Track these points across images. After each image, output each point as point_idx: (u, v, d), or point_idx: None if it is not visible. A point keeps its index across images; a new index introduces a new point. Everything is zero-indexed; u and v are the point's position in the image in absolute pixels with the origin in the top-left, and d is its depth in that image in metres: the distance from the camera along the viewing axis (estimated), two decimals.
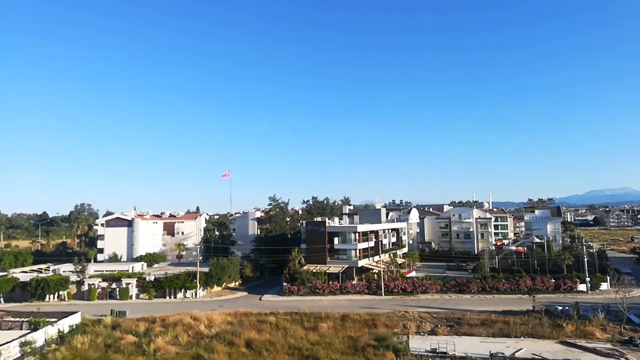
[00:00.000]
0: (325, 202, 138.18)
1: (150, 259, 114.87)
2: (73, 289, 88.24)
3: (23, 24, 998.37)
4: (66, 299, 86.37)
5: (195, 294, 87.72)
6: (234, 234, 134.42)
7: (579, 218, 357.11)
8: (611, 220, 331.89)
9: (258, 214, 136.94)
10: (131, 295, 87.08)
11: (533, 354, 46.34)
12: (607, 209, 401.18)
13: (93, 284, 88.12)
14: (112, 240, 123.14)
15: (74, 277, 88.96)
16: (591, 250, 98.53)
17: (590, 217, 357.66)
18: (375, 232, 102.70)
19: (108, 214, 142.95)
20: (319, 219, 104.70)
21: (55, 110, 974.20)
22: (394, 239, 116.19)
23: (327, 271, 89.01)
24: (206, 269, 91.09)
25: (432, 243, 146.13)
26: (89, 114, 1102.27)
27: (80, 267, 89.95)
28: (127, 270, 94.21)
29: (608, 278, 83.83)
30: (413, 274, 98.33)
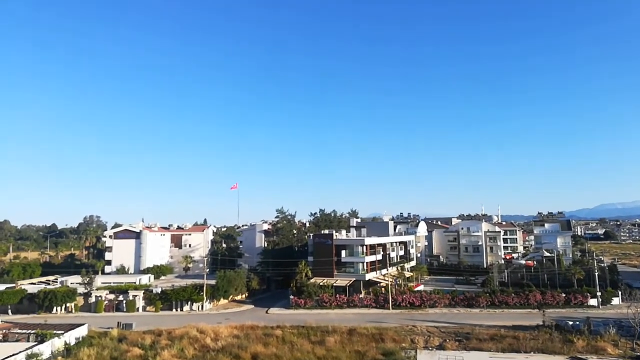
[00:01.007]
0: (332, 214, 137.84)
1: (158, 271, 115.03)
2: (80, 301, 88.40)
3: (25, 33, 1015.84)
4: (73, 311, 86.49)
5: (202, 306, 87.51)
6: (241, 246, 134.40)
7: (590, 232, 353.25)
8: (622, 234, 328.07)
9: (265, 227, 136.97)
10: (138, 308, 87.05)
11: None
12: (619, 223, 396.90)
13: (100, 296, 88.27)
14: (120, 252, 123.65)
15: (81, 289, 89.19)
16: (602, 265, 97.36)
17: (601, 231, 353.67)
18: (383, 245, 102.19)
19: (116, 225, 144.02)
20: (326, 231, 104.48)
21: (64, 122, 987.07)
22: (401, 252, 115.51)
23: (334, 284, 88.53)
24: (213, 282, 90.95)
25: (441, 256, 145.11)
26: (97, 126, 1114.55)
27: (87, 279, 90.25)
28: (134, 283, 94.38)
29: (619, 292, 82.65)
30: (421, 287, 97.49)
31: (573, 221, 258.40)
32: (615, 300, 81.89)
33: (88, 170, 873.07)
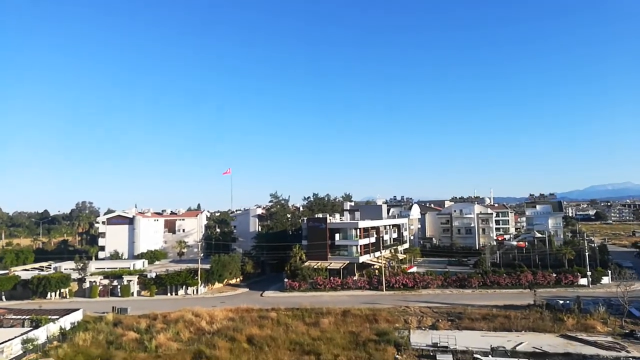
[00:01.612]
0: (326, 198, 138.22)
1: (152, 257, 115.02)
2: (74, 286, 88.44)
3: (19, 22, 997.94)
4: (68, 297, 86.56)
5: (197, 290, 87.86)
6: (235, 231, 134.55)
7: (581, 213, 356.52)
8: (613, 215, 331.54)
9: (259, 211, 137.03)
10: (132, 293, 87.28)
11: (534, 347, 46.35)
12: (609, 204, 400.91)
13: (94, 281, 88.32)
14: (113, 238, 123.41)
15: (75, 275, 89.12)
16: (592, 245, 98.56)
17: (591, 212, 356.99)
18: (377, 228, 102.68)
19: (109, 211, 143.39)
20: (320, 215, 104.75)
21: (56, 108, 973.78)
22: (395, 235, 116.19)
23: (328, 267, 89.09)
24: (207, 266, 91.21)
25: (434, 238, 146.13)
26: (90, 111, 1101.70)
27: (81, 265, 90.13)
28: (129, 268, 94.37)
29: (609, 272, 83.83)
30: (414, 269, 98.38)
31: (564, 202, 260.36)
32: (605, 280, 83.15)
33: (80, 156, 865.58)
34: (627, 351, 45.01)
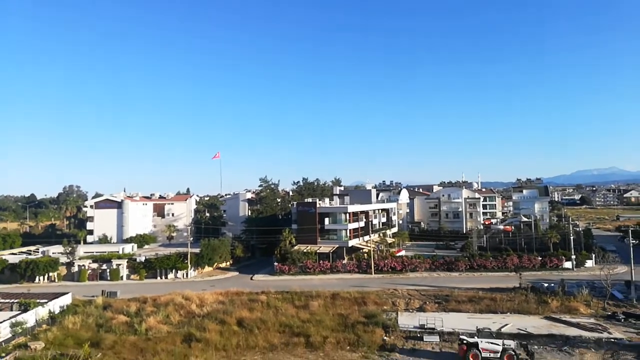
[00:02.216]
0: (315, 183, 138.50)
1: (141, 240, 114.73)
2: (63, 270, 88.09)
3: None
4: (56, 281, 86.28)
5: (187, 274, 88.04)
6: (224, 215, 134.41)
7: (566, 197, 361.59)
8: (598, 199, 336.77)
9: (249, 195, 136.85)
10: (122, 276, 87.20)
11: (519, 329, 47.44)
12: (594, 189, 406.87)
13: (83, 265, 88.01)
14: (102, 222, 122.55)
15: (63, 259, 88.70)
16: (577, 229, 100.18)
17: (577, 197, 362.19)
18: (366, 213, 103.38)
19: (97, 195, 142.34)
20: (310, 199, 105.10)
21: (43, 92, 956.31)
22: (384, 219, 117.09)
23: (318, 251, 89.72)
24: (197, 250, 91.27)
25: (422, 223, 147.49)
26: (77, 95, 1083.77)
27: (70, 249, 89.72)
28: (118, 252, 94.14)
29: (593, 255, 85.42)
30: (402, 253, 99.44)
31: (550, 187, 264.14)
32: (589, 263, 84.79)
33: (67, 139, 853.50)
34: (609, 332, 46.22)
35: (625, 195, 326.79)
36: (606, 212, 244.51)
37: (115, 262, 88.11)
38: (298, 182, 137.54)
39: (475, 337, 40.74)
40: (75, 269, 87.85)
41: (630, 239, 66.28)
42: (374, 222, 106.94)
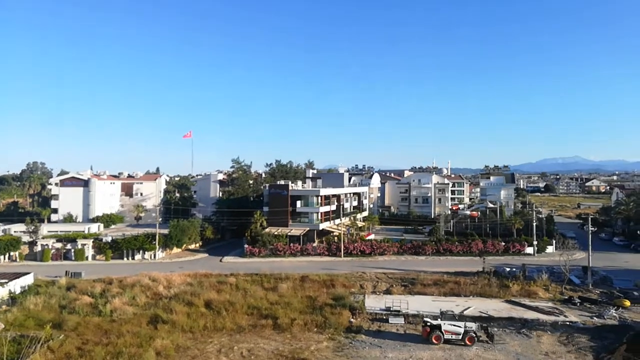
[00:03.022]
0: (288, 165, 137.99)
1: (108, 220, 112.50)
2: (25, 249, 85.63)
3: None
4: (18, 260, 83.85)
5: (154, 255, 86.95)
6: (195, 196, 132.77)
7: (531, 185, 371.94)
8: (561, 187, 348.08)
9: (220, 176, 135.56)
10: (87, 257, 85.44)
11: (480, 311, 49.03)
12: (558, 177, 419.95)
13: (47, 244, 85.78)
14: (67, 200, 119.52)
15: (26, 238, 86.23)
16: (540, 216, 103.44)
17: (541, 184, 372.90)
18: (338, 196, 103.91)
19: (63, 173, 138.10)
20: (282, 182, 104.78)
21: (7, 65, 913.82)
22: (355, 203, 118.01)
23: (289, 234, 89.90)
24: (166, 231, 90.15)
25: (392, 207, 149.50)
26: (43, 68, 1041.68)
27: (32, 227, 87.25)
28: (83, 231, 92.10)
29: (554, 242, 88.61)
30: (372, 236, 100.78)
31: (517, 175, 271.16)
32: (550, 249, 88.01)
33: (32, 114, 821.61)
34: (565, 316, 48.27)
35: (587, 184, 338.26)
36: (568, 200, 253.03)
37: (80, 241, 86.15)
38: (271, 164, 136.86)
39: (439, 320, 41.89)
40: (39, 248, 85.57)
41: (590, 226, 68.91)
42: (345, 206, 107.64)
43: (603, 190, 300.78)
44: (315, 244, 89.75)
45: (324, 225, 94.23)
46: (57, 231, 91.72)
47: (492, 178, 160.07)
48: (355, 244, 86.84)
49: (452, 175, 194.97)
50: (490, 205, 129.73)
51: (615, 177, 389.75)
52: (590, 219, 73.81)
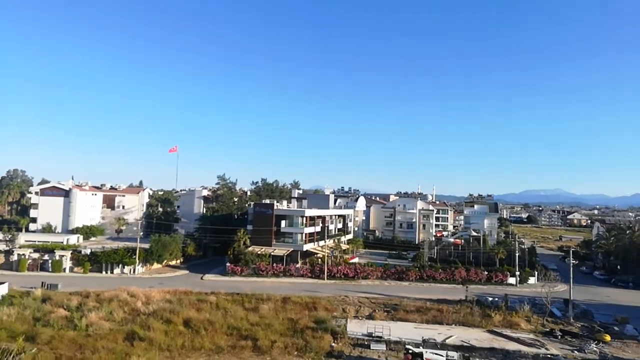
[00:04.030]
0: (274, 184, 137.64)
1: (88, 232, 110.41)
2: (1, 258, 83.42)
3: None
4: None
5: (134, 270, 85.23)
6: (178, 211, 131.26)
7: (514, 215, 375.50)
8: (543, 219, 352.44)
9: (205, 193, 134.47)
10: (64, 268, 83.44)
11: (462, 341, 48.76)
12: (540, 209, 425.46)
13: (23, 254, 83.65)
14: (47, 210, 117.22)
15: (2, 246, 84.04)
16: (523, 246, 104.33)
17: (524, 215, 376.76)
18: (323, 218, 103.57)
19: (43, 182, 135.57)
20: (268, 201, 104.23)
21: None
22: (340, 225, 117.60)
23: (272, 253, 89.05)
24: (147, 246, 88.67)
25: (377, 231, 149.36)
26: (26, 76, 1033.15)
27: (9, 236, 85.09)
28: (62, 242, 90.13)
29: (536, 273, 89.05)
30: (356, 260, 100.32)
31: (500, 204, 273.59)
32: (532, 280, 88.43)
33: (13, 121, 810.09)
34: (547, 348, 48.22)
35: (569, 217, 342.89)
36: (550, 232, 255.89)
37: (58, 252, 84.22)
38: (257, 182, 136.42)
39: (421, 347, 41.58)
40: (15, 257, 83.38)
41: (571, 259, 69.55)
42: (330, 228, 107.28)
43: (584, 224, 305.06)
44: (298, 265, 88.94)
45: (308, 247, 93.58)
46: (35, 241, 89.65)
47: (476, 206, 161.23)
48: (339, 267, 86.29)
49: (437, 202, 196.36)
50: (474, 233, 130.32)
51: (596, 211, 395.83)
52: (571, 251, 74.57)
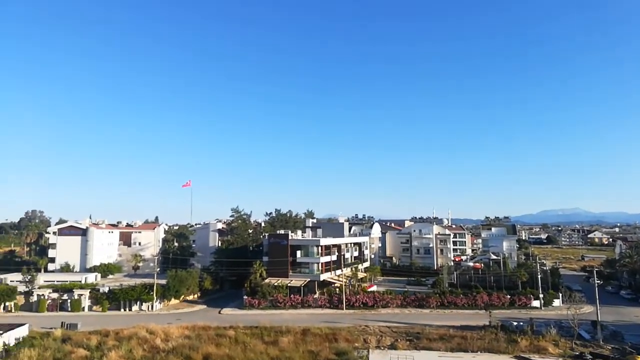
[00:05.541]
0: (288, 214, 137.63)
1: (105, 270, 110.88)
2: (21, 300, 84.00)
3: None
4: (13, 311, 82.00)
5: (152, 306, 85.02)
6: (194, 245, 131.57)
7: (533, 236, 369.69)
8: (563, 239, 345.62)
9: (219, 226, 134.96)
10: (83, 307, 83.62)
11: None
12: (559, 228, 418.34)
13: (43, 294, 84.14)
14: (65, 250, 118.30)
15: (22, 288, 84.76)
16: (544, 268, 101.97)
17: (543, 236, 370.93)
18: (338, 246, 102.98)
19: (61, 221, 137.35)
20: (282, 231, 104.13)
21: (7, 113, 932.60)
22: (356, 253, 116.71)
23: (289, 285, 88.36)
24: (164, 281, 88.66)
25: (394, 258, 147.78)
26: (42, 117, 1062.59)
27: (29, 277, 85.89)
28: (80, 281, 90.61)
29: (560, 295, 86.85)
30: (374, 288, 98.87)
31: (518, 226, 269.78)
32: (557, 302, 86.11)
33: (30, 162, 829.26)
34: None
35: (589, 236, 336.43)
36: (572, 252, 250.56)
37: (77, 292, 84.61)
38: (271, 213, 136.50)
39: None
40: (34, 298, 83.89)
41: (595, 279, 67.79)
42: (346, 256, 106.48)
43: (606, 242, 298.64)
44: (316, 296, 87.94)
45: (324, 276, 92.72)
46: (53, 281, 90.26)
47: (493, 229, 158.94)
48: (358, 296, 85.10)
49: (453, 226, 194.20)
50: (493, 256, 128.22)
51: (617, 229, 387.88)
52: (595, 271, 72.78)
